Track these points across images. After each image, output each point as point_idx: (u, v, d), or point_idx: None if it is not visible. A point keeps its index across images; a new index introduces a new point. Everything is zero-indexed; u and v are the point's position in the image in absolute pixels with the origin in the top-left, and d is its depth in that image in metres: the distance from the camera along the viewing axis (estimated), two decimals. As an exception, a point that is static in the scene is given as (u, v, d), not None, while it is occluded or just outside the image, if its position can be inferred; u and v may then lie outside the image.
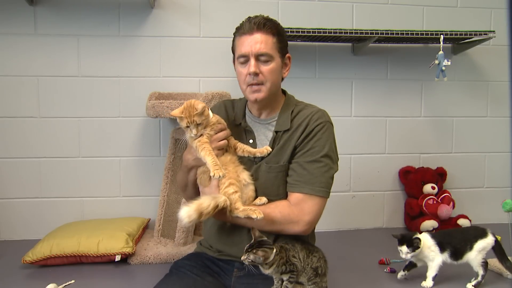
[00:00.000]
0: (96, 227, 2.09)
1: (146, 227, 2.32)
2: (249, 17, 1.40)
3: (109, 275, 1.89)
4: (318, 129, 1.39)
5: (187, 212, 1.20)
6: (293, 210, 1.35)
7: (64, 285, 1.73)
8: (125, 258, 2.00)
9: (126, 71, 2.36)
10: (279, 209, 1.35)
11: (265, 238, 1.29)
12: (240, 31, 1.39)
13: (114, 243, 1.97)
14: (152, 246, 2.11)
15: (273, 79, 1.39)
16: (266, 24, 1.37)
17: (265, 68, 1.37)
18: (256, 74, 1.36)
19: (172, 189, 2.25)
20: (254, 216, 1.26)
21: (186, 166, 1.44)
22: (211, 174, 1.27)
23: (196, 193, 1.46)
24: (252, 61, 1.35)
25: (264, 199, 1.37)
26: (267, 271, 1.28)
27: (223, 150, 1.39)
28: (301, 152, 1.39)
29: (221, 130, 1.38)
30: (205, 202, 1.23)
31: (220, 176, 1.26)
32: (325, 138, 1.39)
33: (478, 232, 1.75)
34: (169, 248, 2.09)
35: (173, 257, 2.02)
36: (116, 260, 1.95)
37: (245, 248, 1.26)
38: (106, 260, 1.97)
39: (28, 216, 2.34)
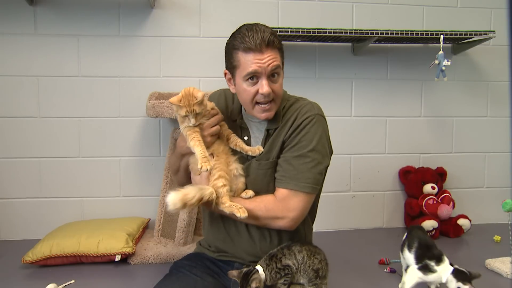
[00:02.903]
0: (96, 227, 2.10)
1: (146, 227, 2.32)
2: (253, 31, 1.28)
3: (109, 275, 1.90)
4: (306, 122, 1.36)
5: (172, 200, 1.22)
6: (278, 205, 1.34)
7: (64, 285, 1.73)
8: (125, 258, 2.00)
9: (126, 71, 2.36)
10: (264, 204, 1.34)
11: (246, 268, 1.29)
12: (243, 45, 1.27)
13: (114, 243, 1.97)
14: (152, 246, 2.11)
15: (281, 94, 1.36)
16: (273, 40, 1.30)
17: (275, 86, 1.33)
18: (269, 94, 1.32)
19: (172, 189, 2.24)
20: (238, 214, 1.26)
21: (179, 152, 1.42)
22: (198, 167, 1.26)
23: (187, 178, 1.45)
24: (265, 80, 1.30)
25: (250, 193, 1.35)
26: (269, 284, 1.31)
27: (215, 136, 1.36)
28: (289, 147, 1.36)
29: (213, 115, 1.35)
30: (191, 193, 1.24)
31: (207, 169, 1.25)
32: (313, 131, 1.35)
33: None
34: (169, 248, 2.10)
35: (173, 257, 2.02)
36: (116, 260, 1.95)
37: None
38: (106, 260, 1.97)
39: (28, 216, 2.34)
